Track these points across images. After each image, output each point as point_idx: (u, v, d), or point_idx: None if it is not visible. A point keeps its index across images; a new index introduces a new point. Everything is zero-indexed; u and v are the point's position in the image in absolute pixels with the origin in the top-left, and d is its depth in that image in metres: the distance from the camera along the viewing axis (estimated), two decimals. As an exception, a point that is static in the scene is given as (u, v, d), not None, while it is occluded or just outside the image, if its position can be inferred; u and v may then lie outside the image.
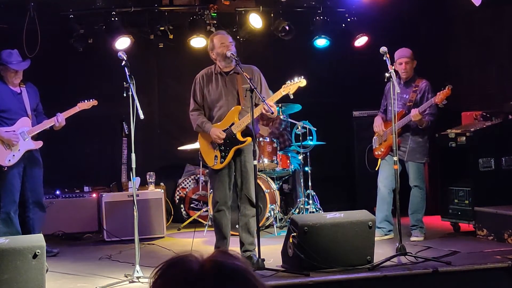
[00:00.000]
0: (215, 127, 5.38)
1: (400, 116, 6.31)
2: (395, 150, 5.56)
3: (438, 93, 6.10)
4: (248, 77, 5.13)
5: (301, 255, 4.91)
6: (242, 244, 5.46)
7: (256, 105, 5.26)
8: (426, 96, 6.34)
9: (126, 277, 4.99)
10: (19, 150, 6.03)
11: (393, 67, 5.66)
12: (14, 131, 6.02)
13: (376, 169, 6.63)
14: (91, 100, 6.32)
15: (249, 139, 5.28)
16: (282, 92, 5.30)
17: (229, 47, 5.36)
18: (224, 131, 5.38)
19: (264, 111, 5.21)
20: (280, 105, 7.27)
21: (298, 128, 7.20)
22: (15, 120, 6.06)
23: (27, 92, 6.20)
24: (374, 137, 6.69)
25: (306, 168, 7.33)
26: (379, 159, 6.60)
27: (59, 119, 6.14)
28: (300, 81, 5.25)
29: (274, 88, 5.53)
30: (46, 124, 6.18)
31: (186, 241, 6.78)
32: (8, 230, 5.89)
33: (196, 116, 5.50)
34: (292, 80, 5.28)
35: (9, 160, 5.97)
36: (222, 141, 5.36)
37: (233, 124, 5.36)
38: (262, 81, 5.50)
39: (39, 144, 6.18)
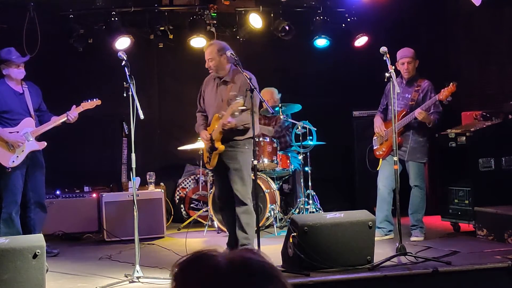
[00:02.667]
0: (203, 131, 5.66)
1: (402, 115, 6.31)
2: (395, 150, 5.55)
3: (442, 90, 6.08)
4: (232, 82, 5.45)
5: (301, 255, 4.91)
6: (237, 240, 5.59)
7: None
8: (429, 96, 6.33)
9: (126, 277, 4.98)
10: (23, 151, 6.01)
11: (393, 67, 5.64)
12: (18, 132, 6.01)
13: (378, 169, 6.62)
14: (94, 99, 6.29)
15: (221, 147, 5.48)
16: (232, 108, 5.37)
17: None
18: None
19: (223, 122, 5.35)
20: (280, 105, 7.28)
21: (298, 128, 7.20)
22: (18, 121, 6.04)
23: (29, 92, 6.17)
24: (374, 137, 6.69)
25: (306, 168, 7.33)
26: (380, 159, 6.60)
27: (71, 117, 6.12)
28: (237, 102, 5.26)
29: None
30: (56, 120, 6.15)
31: (187, 240, 6.76)
32: (9, 231, 5.87)
33: (198, 117, 5.81)
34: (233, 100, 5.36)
35: (13, 161, 5.96)
36: (209, 142, 5.58)
37: (214, 131, 5.58)
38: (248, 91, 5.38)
39: (43, 144, 6.15)
